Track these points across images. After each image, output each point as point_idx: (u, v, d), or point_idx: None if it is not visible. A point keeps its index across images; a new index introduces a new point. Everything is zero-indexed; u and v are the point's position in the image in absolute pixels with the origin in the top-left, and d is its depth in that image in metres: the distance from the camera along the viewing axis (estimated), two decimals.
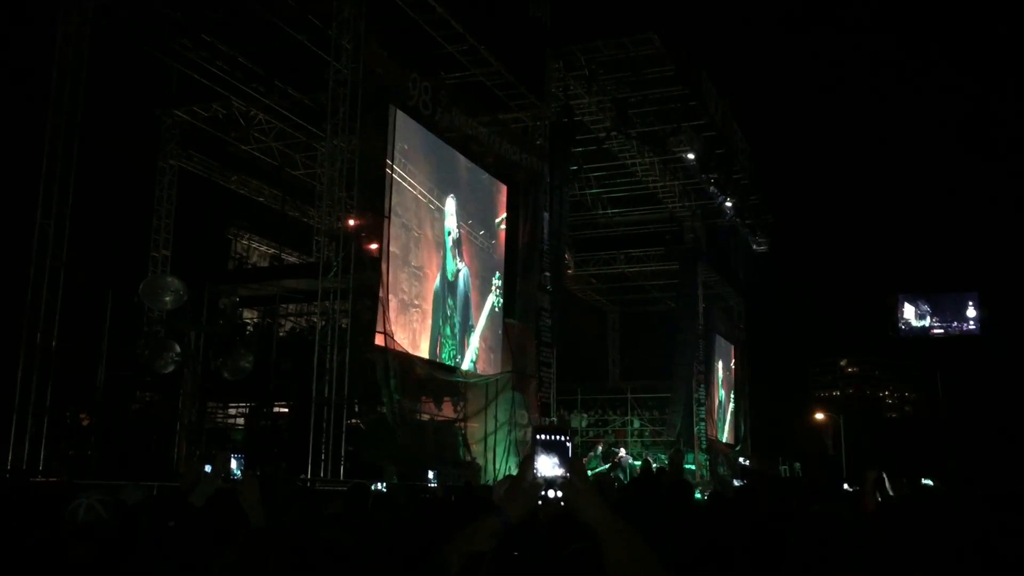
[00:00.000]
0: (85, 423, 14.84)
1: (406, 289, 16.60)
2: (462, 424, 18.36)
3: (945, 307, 45.77)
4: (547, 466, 2.16)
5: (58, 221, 13.25)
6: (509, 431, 19.01)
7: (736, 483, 22.87)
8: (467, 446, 17.85)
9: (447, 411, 18.47)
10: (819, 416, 45.26)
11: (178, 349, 13.92)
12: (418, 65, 17.51)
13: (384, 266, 15.51)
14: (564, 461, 2.16)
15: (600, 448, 25.10)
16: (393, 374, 15.24)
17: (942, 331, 46.24)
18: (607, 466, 22.57)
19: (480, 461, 17.91)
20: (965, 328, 45.79)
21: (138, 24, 15.30)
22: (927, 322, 46.55)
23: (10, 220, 14.03)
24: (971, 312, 46.18)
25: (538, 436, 2.21)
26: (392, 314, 15.59)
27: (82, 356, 14.16)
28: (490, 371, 19.56)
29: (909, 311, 46.44)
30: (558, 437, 2.19)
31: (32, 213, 13.23)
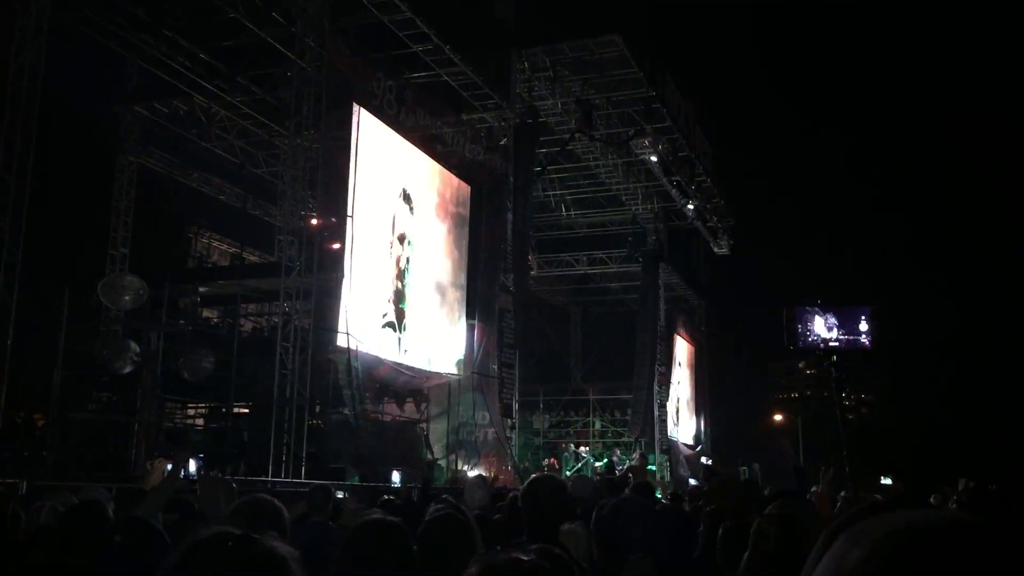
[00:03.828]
0: (40, 424, 14.58)
1: (368, 289, 16.54)
2: (424, 425, 18.35)
3: (844, 320, 47.99)
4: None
5: (14, 218, 13.00)
6: (471, 431, 19.03)
7: (692, 482, 23.09)
8: (429, 447, 17.83)
9: (409, 411, 18.44)
10: (778, 417, 45.83)
11: (137, 349, 13.72)
12: (383, 64, 17.46)
13: (346, 265, 15.44)
14: None
15: (573, 448, 25.18)
16: (355, 374, 15.18)
17: (838, 343, 48.24)
18: (579, 465, 22.65)
19: (442, 462, 17.91)
20: (859, 340, 47.99)
21: (98, 19, 15.07)
22: (834, 334, 48.27)
23: None
24: (863, 326, 48.31)
25: None
26: (354, 314, 15.52)
27: (38, 356, 13.91)
28: (452, 372, 19.56)
29: (819, 323, 48.25)
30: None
31: None
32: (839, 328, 47.73)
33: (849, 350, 47.92)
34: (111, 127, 19.28)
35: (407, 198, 18.11)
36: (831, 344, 47.82)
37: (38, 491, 8.26)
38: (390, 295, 17.39)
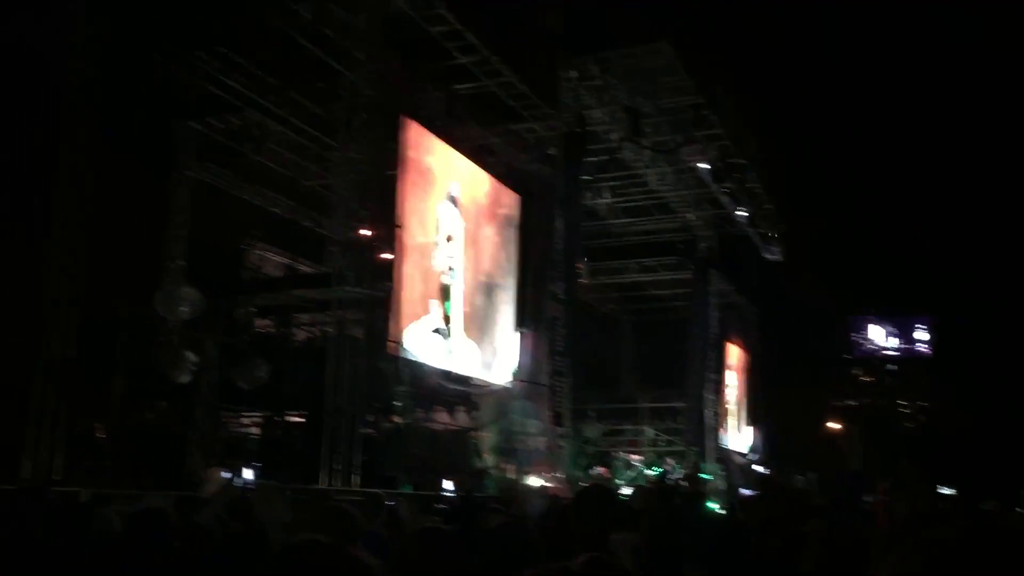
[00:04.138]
0: (100, 433, 14.91)
1: (418, 298, 16.64)
2: (475, 433, 18.38)
3: (901, 329, 46.90)
4: None
5: (74, 232, 13.34)
6: (522, 440, 19.01)
7: (746, 493, 22.78)
8: (480, 455, 17.86)
9: (460, 420, 18.49)
10: (835, 425, 45.02)
11: (194, 359, 13.99)
12: (431, 76, 17.59)
13: (397, 275, 15.56)
14: None
15: (623, 456, 24.99)
16: (406, 383, 15.28)
17: (896, 353, 47.13)
18: (633, 474, 22.42)
19: (493, 471, 17.92)
20: (917, 349, 46.81)
21: (155, 37, 15.42)
22: (894, 343, 47.18)
23: (26, 231, 14.13)
24: (923, 335, 47.10)
25: None
26: (405, 323, 15.63)
27: (97, 366, 14.23)
28: (503, 380, 19.58)
29: (876, 332, 47.16)
30: None
31: (48, 224, 13.34)
32: (898, 337, 46.88)
33: (908, 359, 47.00)
34: (167, 142, 19.66)
35: (454, 200, 18.18)
36: (889, 353, 46.93)
37: (100, 500, 8.44)
38: (437, 297, 17.43)
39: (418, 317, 16.50)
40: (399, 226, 15.74)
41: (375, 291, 15.12)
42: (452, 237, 17.99)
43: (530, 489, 11.45)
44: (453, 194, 18.14)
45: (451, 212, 18.02)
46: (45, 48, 13.70)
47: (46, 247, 13.27)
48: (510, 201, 20.57)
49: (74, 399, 12.99)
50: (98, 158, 13.47)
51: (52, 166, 13.45)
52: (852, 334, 46.22)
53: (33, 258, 13.51)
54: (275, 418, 15.74)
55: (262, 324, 18.85)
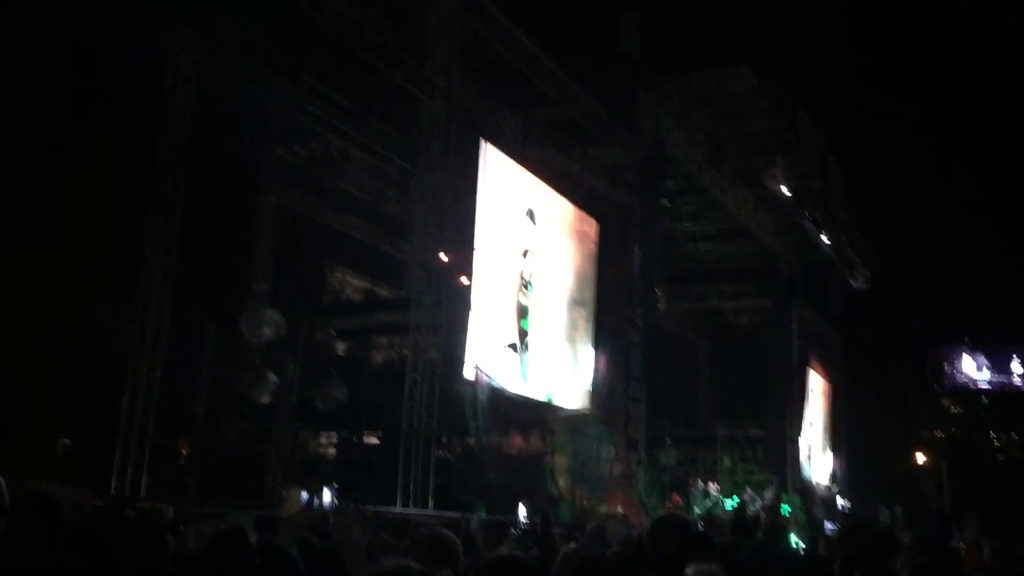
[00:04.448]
0: (184, 450, 15.29)
1: (495, 322, 16.68)
2: (549, 458, 18.28)
3: (994, 360, 45.18)
4: None
5: (165, 254, 13.78)
6: (596, 466, 18.85)
7: (829, 526, 22.14)
8: (555, 480, 17.75)
9: (534, 444, 18.42)
10: (921, 457, 43.50)
11: (276, 380, 14.27)
12: (509, 101, 17.72)
13: (474, 299, 15.64)
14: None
15: (700, 485, 24.57)
16: (481, 406, 15.31)
17: (988, 386, 45.28)
18: (710, 504, 22.02)
19: (568, 496, 17.79)
20: (1011, 382, 44.94)
21: (241, 66, 15.89)
22: (987, 375, 45.43)
23: (119, 253, 14.66)
24: (1017, 367, 45.25)
25: None
26: (482, 346, 15.68)
27: (183, 384, 14.62)
28: (577, 405, 19.46)
29: (968, 363, 45.41)
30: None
31: (140, 246, 13.82)
32: (990, 368, 45.19)
33: (1001, 392, 45.24)
34: (253, 168, 20.20)
35: (531, 215, 18.19)
36: (981, 386, 45.26)
37: (184, 516, 8.65)
38: (513, 313, 17.41)
39: (494, 340, 16.53)
40: (476, 249, 15.82)
41: (452, 315, 15.22)
42: (530, 252, 17.99)
43: (612, 516, 11.32)
44: (530, 204, 18.14)
45: (528, 227, 18.02)
46: (140, 80, 14.25)
47: (138, 269, 13.74)
48: (588, 226, 20.53)
49: (160, 417, 13.36)
50: (189, 183, 13.92)
51: (144, 190, 13.94)
52: (945, 364, 44.65)
53: (125, 279, 14.00)
54: (353, 439, 15.91)
55: (342, 346, 19.13)
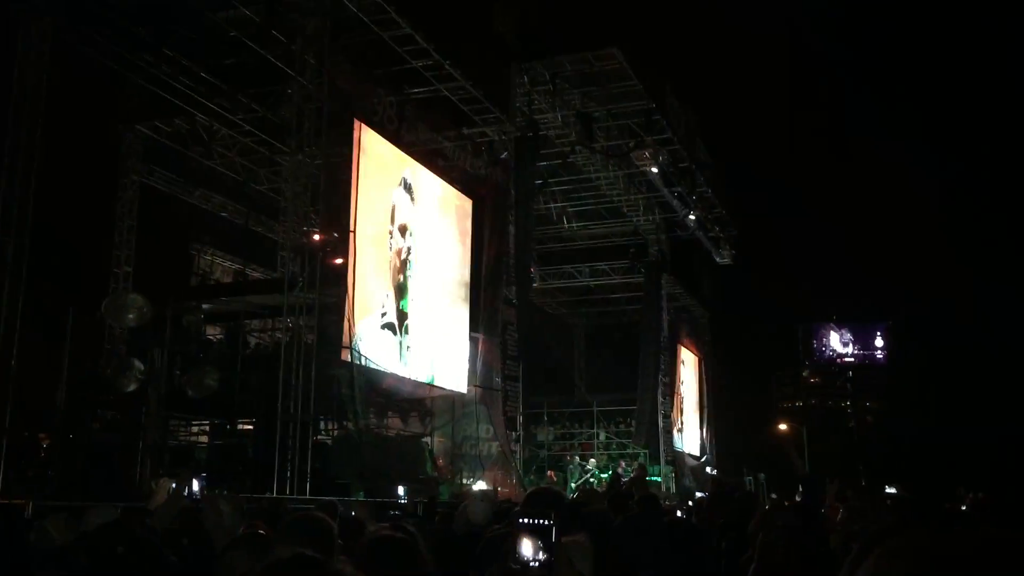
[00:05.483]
0: (45, 443, 14.59)
1: (370, 303, 16.54)
2: (428, 439, 18.31)
3: (859, 335, 48.83)
4: (529, 549, 2.01)
5: (18, 238, 13.04)
6: (474, 445, 18.99)
7: (698, 495, 22.97)
8: (434, 461, 17.78)
9: (413, 426, 18.41)
10: (783, 426, 45.67)
11: (141, 367, 13.74)
12: (383, 80, 17.53)
13: (349, 280, 15.47)
14: (547, 547, 2.00)
15: (576, 460, 25.07)
16: (359, 389, 15.17)
17: (853, 359, 48.96)
18: (586, 476, 22.48)
19: (447, 476, 17.86)
20: (874, 356, 48.63)
21: (99, 39, 15.15)
22: (850, 349, 49.00)
23: None
24: (879, 341, 48.87)
25: (520, 520, 2.06)
26: (357, 329, 15.53)
27: (42, 374, 13.93)
28: (455, 385, 19.54)
29: (835, 338, 48.73)
30: (541, 521, 2.04)
31: None
32: (854, 343, 48.21)
33: (864, 365, 48.36)
34: (113, 146, 19.34)
35: (408, 187, 18.05)
36: (847, 360, 48.28)
37: (44, 511, 8.26)
38: (390, 291, 17.28)
39: (370, 322, 16.40)
40: (352, 231, 15.63)
41: (327, 296, 15.00)
42: (407, 229, 17.87)
43: (474, 494, 11.38)
44: (408, 180, 18.00)
45: (405, 200, 17.87)
46: None
47: None
48: (463, 205, 20.57)
49: (17, 409, 12.69)
50: (43, 163, 13.20)
51: None
52: (813, 341, 47.33)
53: None
54: (226, 426, 15.51)
55: (212, 331, 18.59)
